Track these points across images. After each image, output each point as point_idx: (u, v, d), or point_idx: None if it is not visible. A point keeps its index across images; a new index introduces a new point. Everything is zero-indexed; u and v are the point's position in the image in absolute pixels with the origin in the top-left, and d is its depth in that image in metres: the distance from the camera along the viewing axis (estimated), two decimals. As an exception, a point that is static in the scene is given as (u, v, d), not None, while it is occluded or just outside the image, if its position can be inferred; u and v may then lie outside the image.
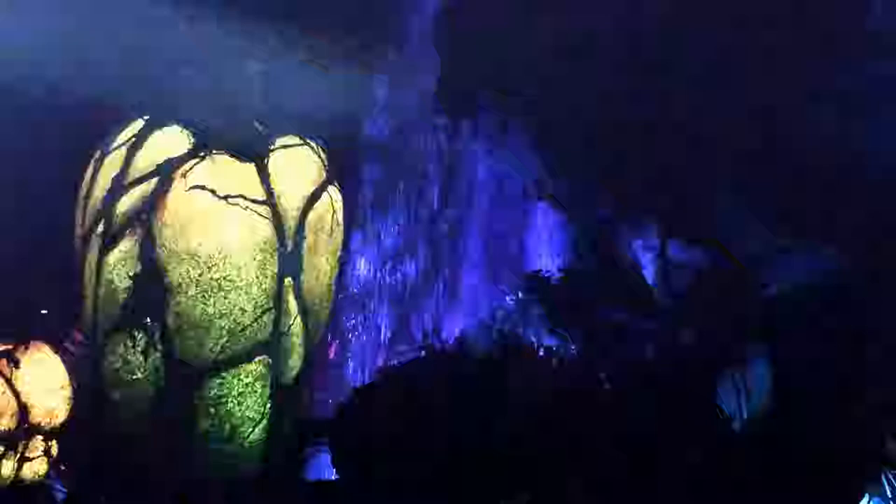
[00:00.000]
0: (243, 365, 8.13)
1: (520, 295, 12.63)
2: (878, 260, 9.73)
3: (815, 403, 8.86)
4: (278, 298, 8.17)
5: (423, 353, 11.39)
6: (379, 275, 15.92)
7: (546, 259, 13.50)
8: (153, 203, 7.92)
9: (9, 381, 9.11)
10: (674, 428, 8.92)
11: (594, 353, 10.67)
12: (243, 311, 8.03)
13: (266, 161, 8.22)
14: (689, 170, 10.83)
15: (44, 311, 11.41)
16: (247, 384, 8.17)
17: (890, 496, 8.09)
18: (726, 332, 9.88)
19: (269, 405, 8.31)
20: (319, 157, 8.65)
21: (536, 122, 12.29)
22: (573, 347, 11.00)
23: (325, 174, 8.62)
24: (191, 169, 7.96)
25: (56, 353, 9.59)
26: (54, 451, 9.35)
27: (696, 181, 10.81)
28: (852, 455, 8.21)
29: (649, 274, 11.43)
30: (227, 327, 8.00)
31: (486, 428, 9.23)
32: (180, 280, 7.91)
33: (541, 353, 10.53)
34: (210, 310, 7.95)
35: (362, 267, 15.57)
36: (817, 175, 10.31)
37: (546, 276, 12.75)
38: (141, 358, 8.00)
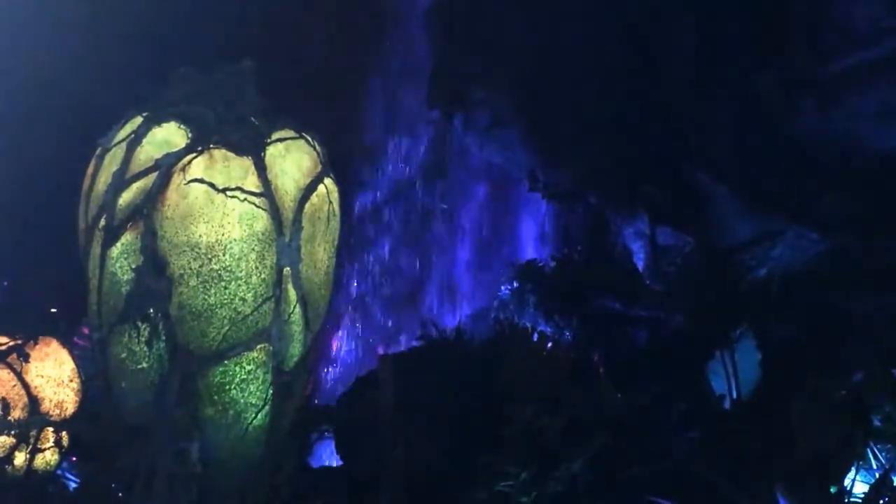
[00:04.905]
0: (245, 353, 8.19)
1: (515, 284, 12.82)
2: (861, 243, 9.90)
3: (802, 381, 9.01)
4: (277, 287, 8.22)
5: (422, 341, 11.61)
6: (377, 266, 16.08)
7: (540, 249, 13.70)
8: (153, 197, 8.00)
9: (19, 375, 9.39)
10: (666, 407, 9.09)
11: (588, 338, 10.86)
12: (244, 300, 8.10)
13: (262, 154, 8.29)
14: (677, 157, 11.01)
15: (53, 310, 11.66)
16: (249, 371, 8.23)
17: (876, 467, 8.26)
18: (715, 314, 10.04)
19: (271, 391, 8.36)
20: (315, 149, 8.69)
21: (528, 114, 12.45)
22: (567, 334, 11.21)
23: (320, 166, 8.64)
24: (189, 163, 8.05)
25: (64, 347, 9.87)
26: (65, 441, 9.62)
27: (685, 168, 11.00)
28: (840, 429, 8.34)
29: (640, 261, 11.60)
30: (228, 316, 8.06)
31: (487, 412, 9.38)
32: (181, 271, 7.99)
33: (535, 339, 10.72)
34: (211, 300, 8.03)
35: (360, 260, 15.78)
36: (803, 160, 10.49)
37: (540, 265, 12.96)
38: (145, 348, 8.06)
